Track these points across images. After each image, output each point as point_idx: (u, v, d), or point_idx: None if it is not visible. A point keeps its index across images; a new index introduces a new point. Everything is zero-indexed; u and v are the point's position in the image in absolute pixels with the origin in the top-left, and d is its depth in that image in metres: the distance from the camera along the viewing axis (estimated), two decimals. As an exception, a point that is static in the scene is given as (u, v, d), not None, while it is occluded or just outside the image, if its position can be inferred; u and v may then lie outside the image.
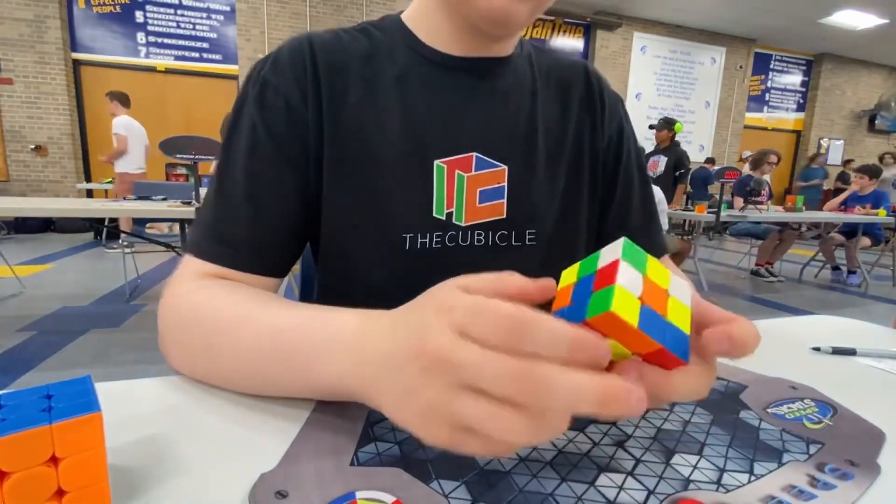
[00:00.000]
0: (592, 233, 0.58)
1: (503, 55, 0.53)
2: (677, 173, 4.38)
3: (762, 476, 0.28)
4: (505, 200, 0.51)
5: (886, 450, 0.32)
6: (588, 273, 0.23)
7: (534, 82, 0.55)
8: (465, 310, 0.22)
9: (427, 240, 0.49)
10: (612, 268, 0.22)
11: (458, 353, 0.21)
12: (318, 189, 0.48)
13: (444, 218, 0.49)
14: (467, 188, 0.50)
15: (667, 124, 4.46)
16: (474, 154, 0.50)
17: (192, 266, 0.44)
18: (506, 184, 0.51)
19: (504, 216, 0.51)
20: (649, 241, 0.59)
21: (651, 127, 4.59)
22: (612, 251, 0.23)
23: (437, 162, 0.49)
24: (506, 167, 0.51)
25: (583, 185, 0.56)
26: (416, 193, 0.49)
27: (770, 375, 0.43)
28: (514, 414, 0.20)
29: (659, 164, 4.41)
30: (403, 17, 0.53)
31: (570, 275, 0.25)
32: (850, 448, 0.31)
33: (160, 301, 0.42)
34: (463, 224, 0.50)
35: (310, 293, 0.73)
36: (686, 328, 0.23)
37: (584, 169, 0.56)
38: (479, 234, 0.50)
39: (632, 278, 0.22)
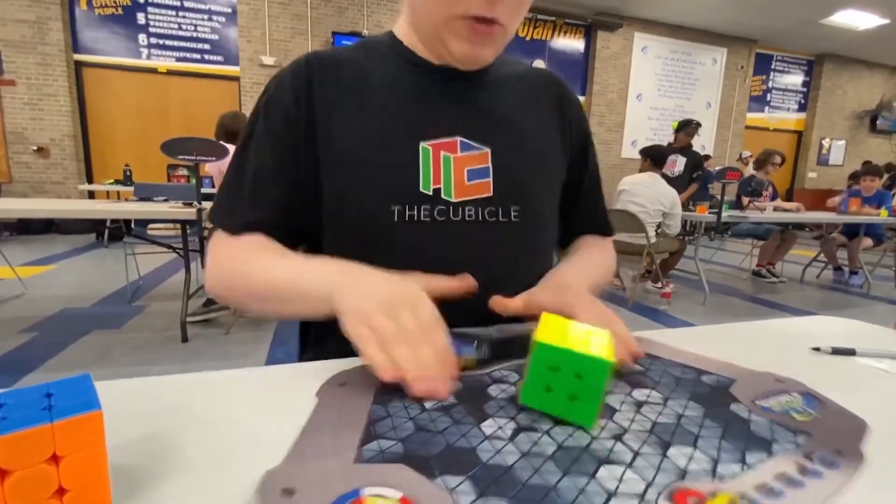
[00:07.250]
0: (556, 216, 0.66)
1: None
2: (694, 175, 4.37)
3: (754, 465, 0.29)
4: (491, 179, 0.56)
5: (870, 438, 0.33)
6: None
7: (508, 82, 0.62)
8: (419, 298, 0.40)
9: (415, 212, 0.53)
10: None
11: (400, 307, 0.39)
12: (314, 179, 0.55)
13: (430, 193, 0.54)
14: (455, 168, 0.55)
15: (692, 127, 4.47)
16: (458, 138, 0.56)
17: (219, 235, 0.56)
18: (490, 164, 0.56)
19: (491, 194, 0.56)
20: (601, 225, 0.72)
21: (679, 129, 4.53)
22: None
23: (422, 144, 0.55)
24: (489, 149, 0.57)
25: (554, 170, 0.64)
26: (403, 171, 0.54)
27: (759, 370, 0.44)
28: (394, 344, 0.36)
29: (677, 164, 4.39)
30: (394, 29, 0.62)
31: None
32: (836, 437, 0.33)
33: (207, 256, 0.56)
34: (453, 199, 0.55)
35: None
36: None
37: (557, 157, 0.64)
38: (469, 210, 0.55)
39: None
